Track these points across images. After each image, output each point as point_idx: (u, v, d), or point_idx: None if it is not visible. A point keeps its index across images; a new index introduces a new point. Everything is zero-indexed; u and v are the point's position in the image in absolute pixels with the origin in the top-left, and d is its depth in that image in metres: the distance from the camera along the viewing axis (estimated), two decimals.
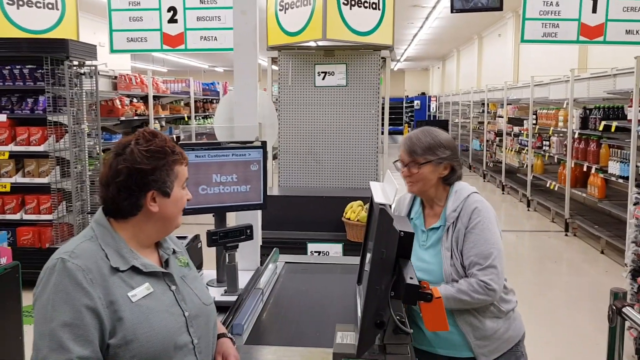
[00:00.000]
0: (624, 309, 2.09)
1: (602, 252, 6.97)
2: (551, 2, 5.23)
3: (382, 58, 5.06)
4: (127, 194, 1.50)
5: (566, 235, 7.92)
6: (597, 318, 4.83)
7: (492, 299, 2.07)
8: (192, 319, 1.56)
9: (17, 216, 5.65)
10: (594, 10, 5.15)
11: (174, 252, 1.67)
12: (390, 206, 1.69)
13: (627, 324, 2.20)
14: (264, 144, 2.66)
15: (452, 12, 5.32)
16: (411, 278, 1.42)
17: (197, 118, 11.48)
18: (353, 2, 4.68)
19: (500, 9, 5.24)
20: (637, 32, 5.19)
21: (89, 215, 6.03)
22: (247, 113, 2.94)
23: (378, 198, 1.67)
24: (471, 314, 2.10)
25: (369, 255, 1.87)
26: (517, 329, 2.21)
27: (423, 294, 1.46)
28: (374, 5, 4.80)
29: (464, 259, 2.10)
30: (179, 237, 2.65)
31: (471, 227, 2.11)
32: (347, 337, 1.66)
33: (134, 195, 1.50)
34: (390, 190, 1.72)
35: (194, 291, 1.62)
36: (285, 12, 4.87)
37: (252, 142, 2.65)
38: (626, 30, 5.19)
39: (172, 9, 5.64)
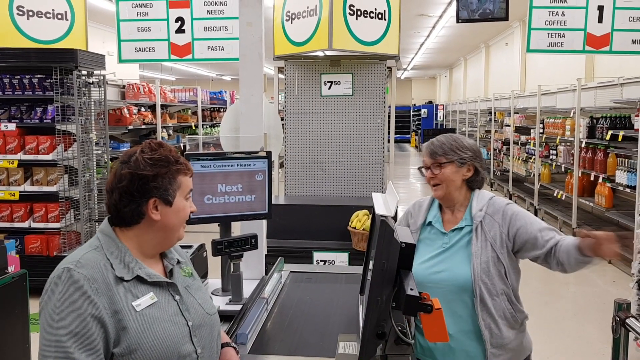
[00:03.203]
0: (627, 320, 2.09)
1: (609, 262, 6.93)
2: (557, 12, 5.24)
3: (388, 67, 5.08)
4: (129, 199, 1.52)
5: None
6: (603, 328, 4.80)
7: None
8: (196, 328, 1.58)
9: (25, 224, 5.69)
10: (600, 20, 5.15)
11: (178, 262, 1.68)
12: (393, 217, 1.70)
13: (633, 335, 2.19)
14: (268, 154, 2.68)
15: (457, 22, 5.34)
16: (411, 289, 1.44)
17: (205, 127, 11.55)
18: (359, 13, 4.71)
19: (506, 19, 5.25)
20: None
21: (97, 224, 6.07)
22: (252, 123, 2.96)
23: (379, 209, 1.69)
24: (492, 320, 2.11)
25: (371, 264, 1.89)
26: (528, 342, 2.26)
27: (423, 305, 1.47)
28: (379, 16, 4.83)
29: (528, 238, 2.14)
30: (184, 247, 2.68)
31: (514, 215, 2.17)
32: (349, 347, 1.67)
33: (135, 201, 1.52)
34: (392, 201, 1.74)
35: (197, 301, 1.64)
36: (291, 23, 4.91)
37: (257, 152, 2.67)
38: (632, 40, 5.19)
39: (180, 19, 5.70)
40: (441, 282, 2.14)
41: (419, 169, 2.31)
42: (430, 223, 2.30)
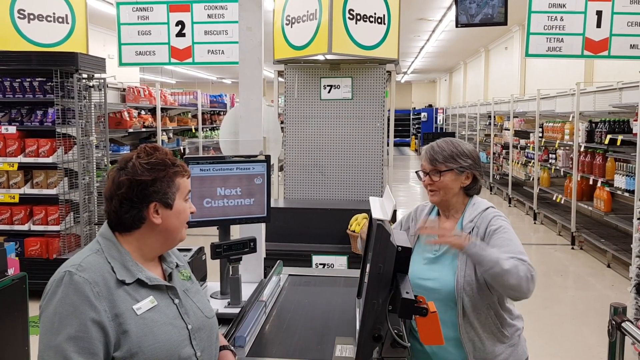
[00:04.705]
0: (623, 324, 2.10)
1: (608, 266, 6.94)
2: (556, 17, 5.25)
3: (388, 71, 5.10)
4: (129, 206, 1.53)
5: (572, 248, 7.89)
6: (602, 332, 4.78)
7: (526, 289, 1.98)
8: (195, 331, 1.59)
9: (25, 227, 5.70)
10: (598, 25, 5.17)
11: (177, 266, 1.70)
12: (389, 221, 1.71)
13: (631, 339, 2.20)
14: (267, 158, 2.70)
15: (457, 26, 5.34)
16: (407, 292, 1.45)
17: (205, 130, 11.56)
18: (359, 17, 4.73)
19: (505, 23, 5.26)
20: None
21: (97, 227, 6.08)
22: (252, 127, 2.98)
23: (376, 213, 1.70)
24: (475, 332, 2.11)
25: (368, 268, 1.90)
26: (519, 355, 2.19)
27: (418, 308, 1.48)
28: (379, 20, 4.85)
29: None
30: (183, 250, 2.70)
31: (493, 232, 2.09)
32: (346, 350, 1.68)
33: (136, 207, 1.53)
34: (389, 205, 1.75)
35: (196, 304, 1.65)
36: (291, 27, 4.92)
37: (256, 156, 2.68)
38: (631, 45, 5.20)
39: (180, 23, 5.72)
40: (428, 291, 2.13)
41: (417, 172, 2.30)
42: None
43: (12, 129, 5.62)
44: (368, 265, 1.78)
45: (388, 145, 5.27)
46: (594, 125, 7.41)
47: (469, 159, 2.20)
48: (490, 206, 2.21)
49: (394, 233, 1.56)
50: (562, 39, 5.27)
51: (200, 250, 2.88)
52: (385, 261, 1.51)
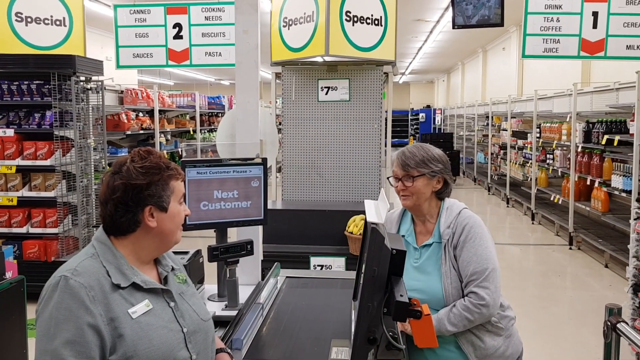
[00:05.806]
0: (618, 325, 2.11)
1: (606, 266, 6.95)
2: (552, 17, 5.27)
3: (385, 73, 5.11)
4: (124, 210, 1.54)
5: (570, 248, 7.90)
6: (600, 333, 4.80)
7: (488, 315, 2.09)
8: (191, 334, 1.60)
9: (23, 230, 5.70)
10: (595, 26, 5.19)
11: (173, 269, 1.70)
12: (384, 224, 1.72)
13: (627, 340, 2.21)
14: (264, 160, 2.70)
15: (453, 27, 5.37)
16: (401, 295, 1.46)
17: (203, 131, 11.56)
18: (355, 19, 4.74)
19: (501, 25, 5.28)
20: (637, 47, 5.21)
21: (94, 229, 6.08)
22: (248, 130, 2.99)
23: (371, 217, 1.71)
24: (472, 333, 2.12)
25: (363, 270, 1.90)
26: (516, 345, 2.24)
27: (412, 311, 1.49)
28: (376, 22, 4.86)
29: (461, 276, 2.13)
30: (180, 252, 2.70)
31: (462, 245, 2.14)
32: (341, 353, 1.69)
33: (131, 211, 1.54)
34: (383, 208, 1.76)
35: (192, 307, 1.66)
36: (288, 29, 4.93)
37: (253, 158, 2.69)
38: (627, 46, 5.22)
39: (178, 25, 5.74)
40: None
41: (388, 178, 2.34)
42: (402, 237, 2.32)
43: (10, 132, 5.63)
44: (363, 268, 1.79)
45: (386, 146, 5.28)
46: (591, 125, 7.43)
47: (440, 163, 2.25)
48: (464, 207, 2.25)
49: (389, 236, 1.57)
50: (558, 39, 5.29)
51: (198, 253, 2.88)
52: (380, 264, 1.52)
